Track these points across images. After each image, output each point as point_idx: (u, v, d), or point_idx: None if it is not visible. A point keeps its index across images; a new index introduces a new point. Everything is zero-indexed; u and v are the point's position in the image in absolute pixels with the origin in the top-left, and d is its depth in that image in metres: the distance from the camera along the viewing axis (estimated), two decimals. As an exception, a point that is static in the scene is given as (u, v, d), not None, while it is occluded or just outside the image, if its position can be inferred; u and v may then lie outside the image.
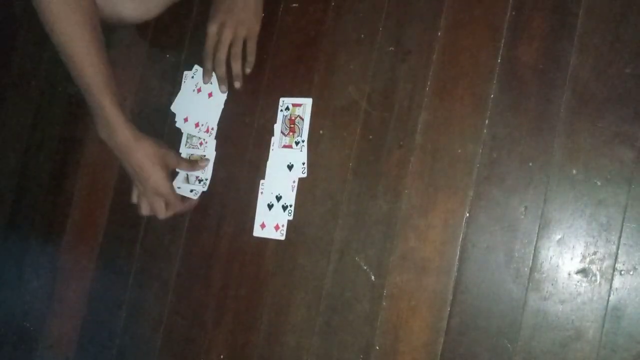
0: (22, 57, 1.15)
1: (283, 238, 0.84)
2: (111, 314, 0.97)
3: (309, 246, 0.83)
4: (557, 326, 0.69)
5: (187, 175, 0.90)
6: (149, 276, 0.95)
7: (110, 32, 1.04)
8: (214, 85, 0.90)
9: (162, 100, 0.97)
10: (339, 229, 0.81)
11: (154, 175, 0.82)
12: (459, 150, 0.75)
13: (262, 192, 0.86)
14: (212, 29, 0.87)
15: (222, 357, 0.87)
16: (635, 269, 0.67)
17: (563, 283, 0.70)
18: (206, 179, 0.90)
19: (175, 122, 0.93)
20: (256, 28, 0.88)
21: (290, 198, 0.84)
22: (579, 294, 0.69)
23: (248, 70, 0.88)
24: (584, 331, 0.68)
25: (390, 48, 0.81)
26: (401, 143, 0.79)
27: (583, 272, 0.69)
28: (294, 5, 0.89)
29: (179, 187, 0.90)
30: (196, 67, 0.92)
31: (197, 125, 0.91)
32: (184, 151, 0.93)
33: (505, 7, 0.75)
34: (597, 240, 0.69)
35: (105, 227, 1.00)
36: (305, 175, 0.83)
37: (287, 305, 0.83)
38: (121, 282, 0.97)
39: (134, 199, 0.88)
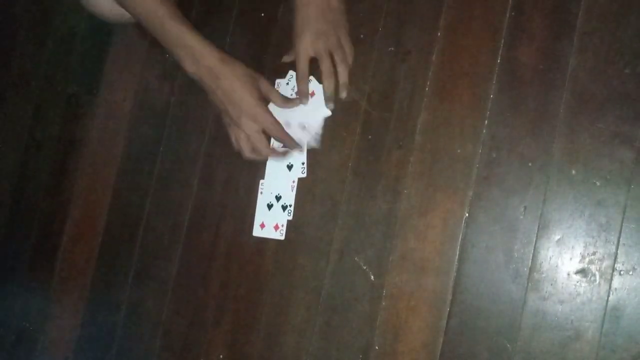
0: (22, 57, 1.15)
1: (282, 238, 0.84)
2: (110, 314, 0.97)
3: (308, 246, 0.83)
4: (556, 326, 0.69)
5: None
6: (148, 276, 0.95)
7: (110, 31, 1.05)
8: (312, 83, 0.83)
9: (161, 100, 0.97)
10: (338, 229, 0.81)
11: (246, 96, 0.77)
12: (459, 151, 0.75)
13: (261, 192, 0.86)
14: (304, 46, 0.78)
15: (221, 357, 0.87)
16: (634, 269, 0.67)
17: (562, 283, 0.70)
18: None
19: (271, 142, 0.85)
20: (347, 26, 0.81)
21: (289, 198, 0.84)
22: (578, 294, 0.69)
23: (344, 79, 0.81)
24: (583, 331, 0.68)
25: (390, 48, 0.81)
26: (401, 143, 0.79)
27: (582, 272, 0.69)
28: (294, 5, 0.89)
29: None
30: (291, 72, 0.85)
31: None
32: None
33: (504, 8, 0.75)
34: (597, 241, 0.69)
35: (104, 227, 1.00)
36: (304, 175, 0.83)
37: (287, 306, 0.83)
38: (120, 282, 0.97)
39: (234, 144, 0.82)
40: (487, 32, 0.76)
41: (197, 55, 0.76)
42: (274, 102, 0.82)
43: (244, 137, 0.80)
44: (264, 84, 0.80)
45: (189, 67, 0.77)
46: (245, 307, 0.86)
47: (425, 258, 0.75)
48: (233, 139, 0.81)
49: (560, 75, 0.72)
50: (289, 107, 0.82)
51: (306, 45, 0.78)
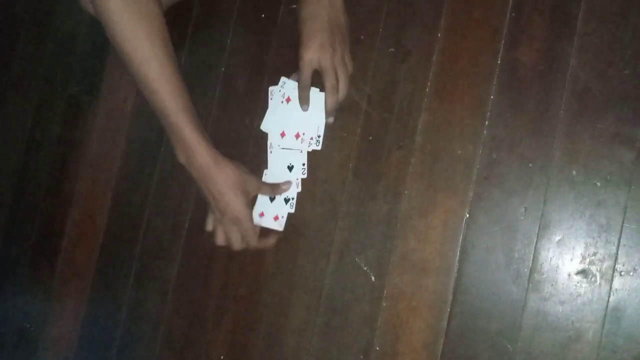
0: (22, 57, 1.15)
1: (281, 229, 0.83)
2: (111, 314, 0.97)
3: (308, 247, 0.83)
4: (557, 327, 0.69)
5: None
6: (149, 276, 0.95)
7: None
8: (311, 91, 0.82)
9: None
10: (338, 229, 0.81)
11: (233, 202, 0.76)
12: (459, 151, 0.75)
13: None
14: (310, 57, 0.77)
15: (222, 357, 0.87)
16: (635, 269, 0.67)
17: (563, 284, 0.70)
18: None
19: (269, 143, 0.84)
20: (348, 43, 0.80)
21: (292, 192, 0.83)
22: (579, 294, 0.69)
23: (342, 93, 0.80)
24: (583, 332, 0.68)
25: (391, 49, 0.81)
26: (401, 144, 0.79)
27: (583, 273, 0.69)
28: (294, 6, 0.88)
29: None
30: (283, 79, 0.83)
31: (297, 136, 0.83)
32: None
33: (505, 9, 0.75)
34: (597, 241, 0.69)
35: (105, 227, 1.00)
36: (305, 176, 0.83)
37: (287, 306, 0.83)
38: (121, 282, 0.97)
39: (209, 227, 0.81)
40: (487, 33, 0.76)
41: (190, 152, 0.74)
42: (264, 194, 0.83)
43: (222, 230, 0.80)
44: (253, 185, 0.79)
45: (182, 159, 0.76)
46: (245, 307, 0.86)
47: (426, 259, 0.76)
48: (209, 224, 0.81)
49: (561, 76, 0.72)
50: (278, 194, 0.83)
51: (312, 57, 0.77)
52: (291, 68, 0.86)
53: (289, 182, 0.83)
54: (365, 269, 0.79)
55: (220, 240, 0.80)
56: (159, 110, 0.73)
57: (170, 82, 0.72)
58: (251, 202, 0.80)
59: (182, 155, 0.75)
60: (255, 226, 0.81)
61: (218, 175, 0.75)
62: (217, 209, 0.78)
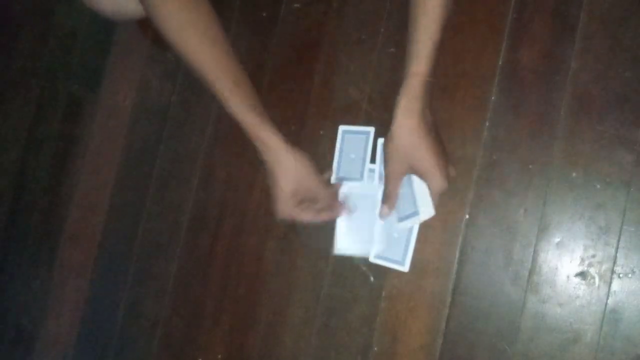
0: (23, 55, 1.15)
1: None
2: (109, 313, 0.97)
3: (307, 247, 0.83)
4: (555, 329, 0.69)
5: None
6: (147, 276, 0.95)
7: (112, 30, 1.05)
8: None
9: (162, 100, 0.97)
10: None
11: (277, 198, 0.74)
12: (459, 152, 0.75)
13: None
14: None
15: (219, 357, 0.87)
16: (633, 272, 0.67)
17: (562, 286, 0.70)
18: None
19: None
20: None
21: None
22: (578, 296, 0.69)
23: None
24: (582, 334, 0.68)
25: (391, 49, 0.81)
26: (401, 144, 0.79)
27: (582, 275, 0.69)
28: (296, 5, 0.89)
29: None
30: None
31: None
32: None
33: (506, 10, 0.75)
34: (596, 244, 0.69)
35: (104, 226, 1.00)
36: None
37: (286, 306, 0.83)
38: (120, 281, 0.97)
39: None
40: (488, 34, 0.76)
41: (253, 137, 0.74)
42: (319, 199, 0.78)
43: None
44: (310, 193, 0.75)
45: (259, 151, 0.75)
46: (244, 307, 0.86)
47: (425, 259, 0.75)
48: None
49: (561, 77, 0.72)
50: (330, 215, 0.79)
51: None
52: (292, 68, 0.86)
53: (348, 210, 0.79)
54: (364, 269, 0.79)
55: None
56: (219, 98, 0.72)
57: (225, 70, 0.71)
58: (297, 201, 0.75)
59: (252, 139, 0.74)
60: (284, 218, 0.77)
61: (277, 165, 0.73)
62: (270, 184, 0.76)
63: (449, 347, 0.73)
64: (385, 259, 0.77)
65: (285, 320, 0.83)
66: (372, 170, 0.79)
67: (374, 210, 0.77)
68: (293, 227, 0.84)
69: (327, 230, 0.81)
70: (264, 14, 0.91)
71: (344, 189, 0.80)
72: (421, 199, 0.71)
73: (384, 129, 0.80)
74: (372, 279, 0.78)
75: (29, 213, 1.08)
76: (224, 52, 0.71)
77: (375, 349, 0.77)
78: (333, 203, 0.78)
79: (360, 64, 0.82)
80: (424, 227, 0.76)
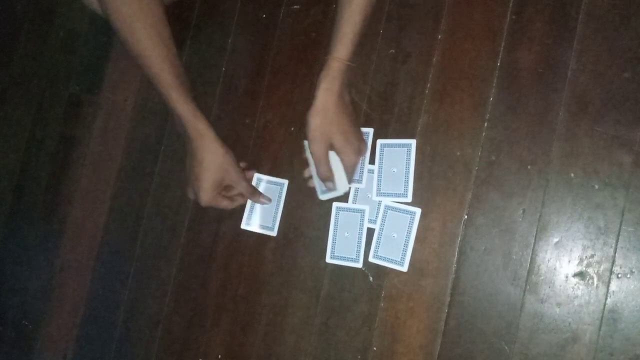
0: (23, 56, 1.15)
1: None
2: (109, 313, 0.97)
3: (307, 247, 0.83)
4: (554, 329, 0.69)
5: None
6: (147, 276, 0.95)
7: (111, 31, 1.05)
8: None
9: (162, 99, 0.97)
10: (337, 230, 0.81)
11: (201, 187, 0.81)
12: (458, 153, 0.76)
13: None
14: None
15: (219, 357, 0.87)
16: (632, 272, 0.67)
17: (560, 286, 0.70)
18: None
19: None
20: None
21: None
22: (576, 296, 0.69)
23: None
24: (580, 334, 0.68)
25: (391, 50, 0.81)
26: (400, 145, 0.79)
27: (580, 275, 0.69)
28: (295, 7, 0.89)
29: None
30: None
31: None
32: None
33: (505, 11, 0.75)
34: (595, 244, 0.69)
35: (104, 226, 1.00)
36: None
37: (285, 306, 0.83)
38: (120, 281, 0.97)
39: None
40: (487, 36, 0.76)
41: (180, 121, 0.79)
42: (242, 190, 0.84)
43: (191, 189, 0.84)
44: (232, 175, 0.82)
45: (178, 129, 0.82)
46: (244, 307, 0.86)
47: (424, 260, 0.76)
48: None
49: (560, 78, 0.72)
50: (252, 201, 0.86)
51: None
52: (292, 68, 0.87)
53: (268, 199, 0.86)
54: (364, 269, 0.79)
55: (190, 194, 0.85)
56: (153, 81, 0.79)
57: (160, 55, 0.77)
58: (220, 189, 0.82)
59: (177, 124, 0.81)
60: (208, 204, 0.83)
61: (199, 148, 0.79)
62: (189, 173, 0.83)
63: (448, 346, 0.74)
64: (385, 259, 0.77)
65: (285, 320, 0.83)
66: (370, 171, 0.80)
67: (280, 197, 0.85)
68: (293, 228, 0.84)
69: (326, 230, 0.81)
70: (264, 15, 0.91)
71: (255, 177, 0.87)
72: (338, 174, 0.77)
73: (383, 130, 0.80)
74: (371, 279, 0.78)
75: (29, 213, 1.08)
76: (169, 46, 0.78)
77: (375, 348, 0.77)
78: (248, 190, 0.84)
79: (360, 64, 0.83)
80: (423, 227, 0.76)
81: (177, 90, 0.78)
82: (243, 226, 0.87)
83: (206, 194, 0.81)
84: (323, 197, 0.82)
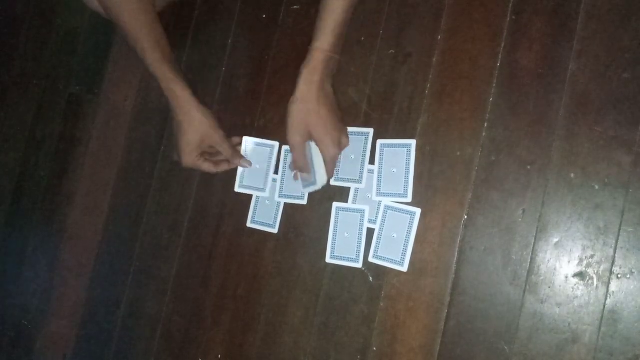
0: (23, 56, 1.15)
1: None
2: (109, 313, 0.97)
3: (307, 247, 0.83)
4: (553, 329, 0.69)
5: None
6: (147, 276, 0.95)
7: (112, 30, 1.05)
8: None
9: (162, 99, 0.97)
10: (337, 230, 0.81)
11: (183, 149, 0.83)
12: (458, 153, 0.76)
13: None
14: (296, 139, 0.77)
15: (219, 356, 0.87)
16: (632, 272, 0.67)
17: (560, 286, 0.70)
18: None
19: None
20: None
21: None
22: (576, 297, 0.69)
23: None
24: (580, 334, 0.68)
25: (391, 51, 0.81)
26: (400, 145, 0.79)
27: (580, 275, 0.69)
28: (295, 7, 0.89)
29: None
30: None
31: None
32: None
33: (505, 11, 0.75)
34: (595, 244, 0.69)
35: (104, 226, 1.00)
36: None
37: (285, 306, 0.83)
38: (120, 281, 0.97)
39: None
40: (487, 36, 0.76)
41: (162, 85, 0.81)
42: (221, 151, 0.86)
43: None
44: (214, 138, 0.83)
45: (166, 93, 0.83)
46: (244, 307, 0.86)
47: (424, 260, 0.76)
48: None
49: (560, 78, 0.72)
50: (233, 164, 0.87)
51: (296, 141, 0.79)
52: (292, 68, 0.87)
53: (249, 162, 0.86)
54: (364, 269, 0.79)
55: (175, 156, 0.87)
56: (136, 48, 0.81)
57: (142, 25, 0.80)
58: (201, 151, 0.84)
59: (163, 90, 0.82)
60: (189, 165, 0.85)
61: (183, 112, 0.81)
62: (174, 137, 0.84)
63: (447, 346, 0.74)
64: (385, 259, 0.77)
65: (284, 320, 0.83)
66: (370, 171, 0.80)
67: (271, 159, 0.86)
68: (293, 228, 0.84)
69: (326, 230, 0.81)
70: (264, 16, 0.91)
71: (243, 144, 0.88)
72: (317, 167, 0.79)
73: (383, 130, 0.80)
74: (371, 279, 0.78)
75: (29, 213, 1.09)
76: (154, 21, 0.82)
77: (375, 348, 0.77)
78: (233, 155, 0.85)
79: (360, 65, 0.83)
80: (423, 227, 0.76)
81: (152, 54, 0.80)
82: (237, 189, 0.88)
83: (186, 156, 0.83)
84: (304, 190, 0.82)
